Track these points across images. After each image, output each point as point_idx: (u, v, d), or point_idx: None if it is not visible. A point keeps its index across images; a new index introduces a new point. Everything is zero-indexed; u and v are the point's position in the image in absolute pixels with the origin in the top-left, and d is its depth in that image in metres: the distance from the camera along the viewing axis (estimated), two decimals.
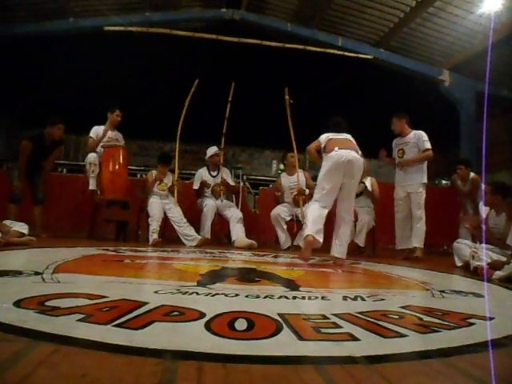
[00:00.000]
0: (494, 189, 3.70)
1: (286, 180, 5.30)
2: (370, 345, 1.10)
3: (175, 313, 1.32)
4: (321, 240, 3.25)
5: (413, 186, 4.57)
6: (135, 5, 8.45)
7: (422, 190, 4.55)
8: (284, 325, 1.23)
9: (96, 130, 5.06)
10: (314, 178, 6.18)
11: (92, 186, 4.81)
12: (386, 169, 12.92)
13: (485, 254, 3.16)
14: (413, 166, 4.60)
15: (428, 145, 4.55)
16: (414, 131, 4.66)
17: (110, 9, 8.29)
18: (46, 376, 0.78)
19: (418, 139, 4.58)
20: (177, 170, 5.19)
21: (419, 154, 4.57)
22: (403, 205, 4.64)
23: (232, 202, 5.58)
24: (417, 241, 4.49)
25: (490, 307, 1.68)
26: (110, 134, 5.06)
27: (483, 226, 3.86)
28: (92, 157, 4.85)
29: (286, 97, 5.29)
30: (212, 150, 5.48)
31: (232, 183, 5.62)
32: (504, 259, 3.00)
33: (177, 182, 5.01)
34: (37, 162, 4.75)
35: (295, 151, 5.26)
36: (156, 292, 1.65)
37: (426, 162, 4.65)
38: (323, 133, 3.65)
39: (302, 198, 4.99)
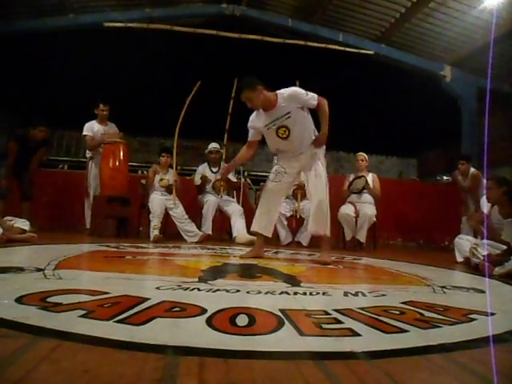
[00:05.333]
0: (498, 182, 3.63)
1: None
2: (371, 340, 1.10)
3: (176, 309, 1.33)
4: None
5: None
6: (135, 1, 8.42)
7: None
8: (285, 320, 1.23)
9: (89, 126, 5.10)
10: None
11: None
12: (387, 165, 12.97)
13: (486, 250, 3.16)
14: None
15: None
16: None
17: (109, 5, 8.26)
18: (48, 372, 0.79)
19: None
20: (174, 165, 5.18)
21: None
22: None
23: (233, 198, 5.57)
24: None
25: (491, 303, 1.68)
26: (103, 128, 5.10)
27: (485, 222, 3.84)
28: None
29: None
30: (210, 147, 5.49)
31: (233, 179, 5.61)
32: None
33: (175, 181, 4.96)
34: (23, 162, 4.89)
35: None
36: (157, 288, 1.65)
37: None
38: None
39: (301, 192, 5.01)
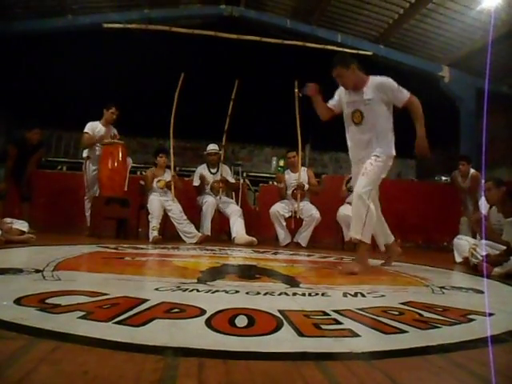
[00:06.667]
0: (497, 182, 3.64)
1: (289, 177, 5.31)
2: (370, 341, 1.10)
3: (176, 310, 1.33)
4: None
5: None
6: (134, 1, 8.42)
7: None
8: (284, 321, 1.23)
9: (91, 126, 5.07)
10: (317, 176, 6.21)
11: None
12: None
13: (484, 251, 3.16)
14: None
15: None
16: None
17: (108, 6, 8.27)
18: (47, 373, 0.78)
19: None
20: (172, 166, 5.19)
21: None
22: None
23: (232, 199, 5.57)
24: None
25: (490, 303, 1.68)
26: (104, 130, 5.09)
27: (483, 222, 3.84)
28: None
29: (296, 90, 5.20)
30: (208, 148, 5.48)
31: (232, 180, 5.60)
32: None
33: (173, 176, 5.00)
34: (21, 164, 4.98)
35: (299, 149, 5.22)
36: (156, 289, 1.66)
37: None
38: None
39: (300, 192, 5.02)
